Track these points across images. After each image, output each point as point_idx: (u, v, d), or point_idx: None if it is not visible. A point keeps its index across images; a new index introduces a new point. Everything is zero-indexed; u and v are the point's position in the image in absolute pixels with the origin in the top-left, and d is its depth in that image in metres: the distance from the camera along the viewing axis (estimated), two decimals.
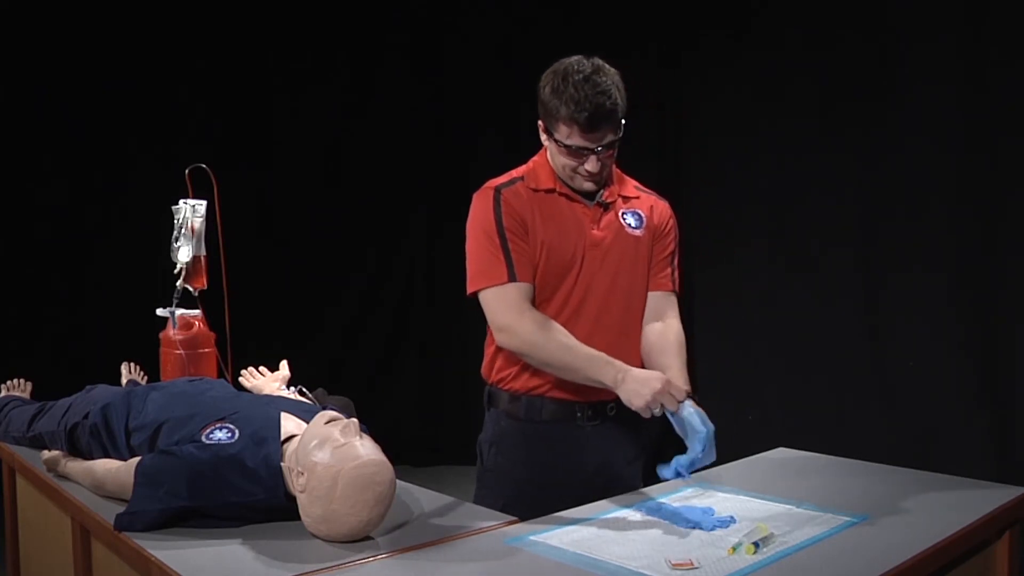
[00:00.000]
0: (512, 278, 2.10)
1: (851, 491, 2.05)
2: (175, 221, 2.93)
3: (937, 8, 3.82)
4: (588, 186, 2.17)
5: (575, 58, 2.10)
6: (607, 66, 2.09)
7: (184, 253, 2.89)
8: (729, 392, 4.65)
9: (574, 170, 2.13)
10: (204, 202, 2.95)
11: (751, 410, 4.55)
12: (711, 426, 1.91)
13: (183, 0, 5.12)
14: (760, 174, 4.50)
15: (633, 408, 1.97)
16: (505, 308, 2.10)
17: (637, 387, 1.96)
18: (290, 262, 5.67)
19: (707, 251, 4.76)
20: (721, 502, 1.99)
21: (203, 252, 2.95)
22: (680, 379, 2.08)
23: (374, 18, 5.65)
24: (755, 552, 1.64)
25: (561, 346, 2.07)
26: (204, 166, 2.92)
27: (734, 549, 1.66)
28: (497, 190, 2.18)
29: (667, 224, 2.30)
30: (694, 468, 1.90)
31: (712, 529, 1.81)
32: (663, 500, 1.99)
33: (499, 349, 2.21)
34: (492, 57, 5.59)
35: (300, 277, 5.66)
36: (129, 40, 4.98)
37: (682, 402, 1.93)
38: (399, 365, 6.04)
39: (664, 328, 2.24)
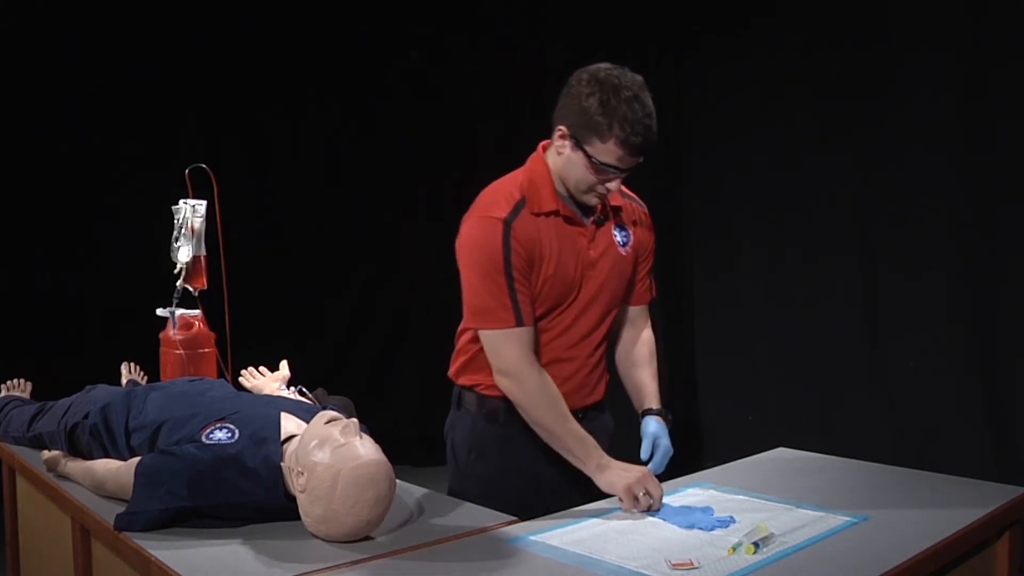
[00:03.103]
0: (520, 322, 2.04)
1: (851, 491, 2.05)
2: (175, 221, 2.93)
3: (937, 9, 3.82)
4: (596, 202, 2.11)
5: (612, 68, 2.00)
6: (643, 80, 2.01)
7: (184, 253, 2.89)
8: (730, 392, 4.65)
9: (592, 187, 2.05)
10: (204, 202, 2.95)
11: (751, 411, 4.55)
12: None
13: (184, 1, 5.12)
14: (760, 176, 4.50)
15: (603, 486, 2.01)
16: (514, 355, 2.05)
17: (615, 479, 1.98)
18: (290, 262, 5.67)
19: (707, 252, 4.77)
20: (721, 502, 1.99)
21: (203, 252, 2.95)
22: (653, 397, 2.20)
23: (374, 18, 5.65)
24: (755, 552, 1.65)
25: (555, 417, 2.05)
26: (204, 166, 2.92)
27: (734, 549, 1.66)
28: (507, 224, 2.04)
29: (650, 240, 2.31)
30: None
31: (712, 529, 1.81)
32: (663, 500, 1.99)
33: (472, 357, 2.19)
34: (492, 59, 5.59)
35: (300, 277, 5.66)
36: (130, 40, 4.98)
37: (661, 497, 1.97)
38: (399, 365, 6.04)
39: (638, 339, 2.30)
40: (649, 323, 2.34)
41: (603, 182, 2.03)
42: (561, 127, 2.03)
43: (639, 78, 2.00)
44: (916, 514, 1.87)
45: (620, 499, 1.97)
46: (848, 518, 1.84)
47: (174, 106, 5.14)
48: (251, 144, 5.52)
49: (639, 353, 2.30)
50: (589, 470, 2.02)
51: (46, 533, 2.42)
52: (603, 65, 2.01)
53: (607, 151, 1.97)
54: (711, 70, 4.72)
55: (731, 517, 1.87)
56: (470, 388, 2.23)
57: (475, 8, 5.68)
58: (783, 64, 4.38)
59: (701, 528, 1.82)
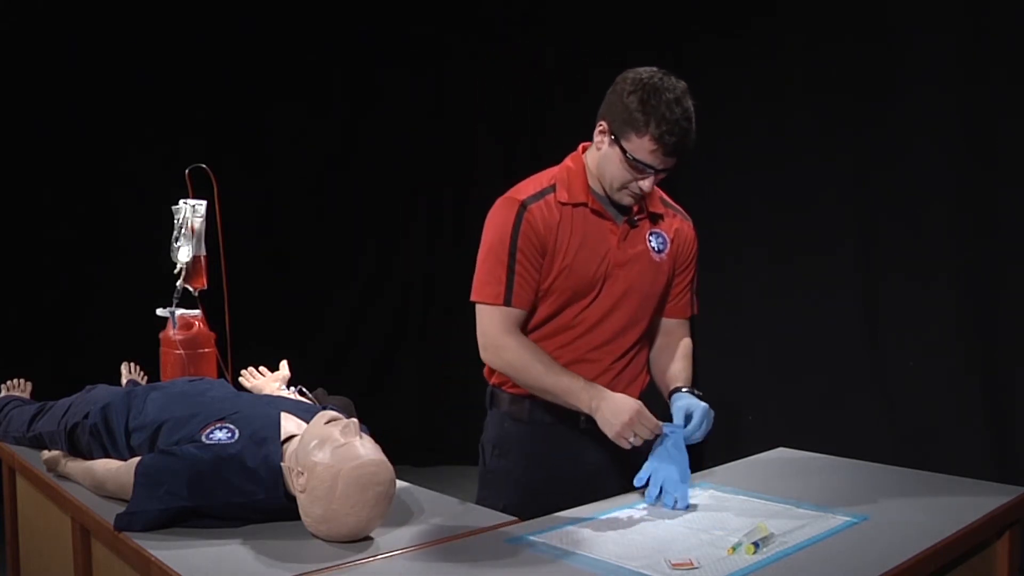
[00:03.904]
0: (508, 302, 2.10)
1: (851, 491, 2.05)
2: (175, 221, 2.93)
3: (937, 8, 3.82)
4: (630, 201, 2.14)
5: (657, 72, 2.06)
6: (686, 86, 2.06)
7: (184, 253, 2.89)
8: (730, 392, 4.65)
9: (626, 184, 2.09)
10: (204, 202, 2.94)
11: (751, 411, 4.55)
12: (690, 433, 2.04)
13: (184, 1, 5.12)
14: (760, 176, 4.50)
15: (610, 438, 2.02)
16: (492, 329, 2.11)
17: (609, 416, 2.00)
18: (290, 262, 5.67)
19: (707, 251, 4.73)
20: (721, 502, 1.99)
21: (203, 252, 2.95)
22: (681, 377, 2.16)
23: (374, 19, 5.65)
24: (755, 552, 1.64)
25: (541, 372, 2.08)
26: (204, 166, 2.92)
27: (734, 549, 1.66)
28: (523, 204, 2.11)
29: (690, 252, 2.30)
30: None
31: (653, 501, 1.94)
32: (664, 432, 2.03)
33: None
34: (493, 59, 5.59)
35: (300, 277, 5.66)
36: (130, 40, 4.98)
37: (659, 434, 2.00)
38: (399, 365, 6.04)
39: (674, 344, 2.29)
40: (688, 336, 2.33)
41: (637, 180, 2.07)
42: (602, 122, 2.09)
43: (683, 83, 2.06)
44: (916, 514, 1.87)
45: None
46: (848, 518, 1.84)
47: (174, 106, 5.14)
48: (251, 144, 5.53)
49: (673, 350, 2.27)
50: (588, 413, 2.06)
51: (46, 533, 2.42)
52: (650, 68, 2.07)
53: (642, 147, 2.02)
54: (711, 70, 4.72)
55: (688, 507, 1.94)
56: (499, 387, 2.26)
57: (475, 8, 5.68)
58: (783, 64, 4.38)
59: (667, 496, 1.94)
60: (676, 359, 2.25)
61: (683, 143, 2.01)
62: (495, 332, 2.11)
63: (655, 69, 2.06)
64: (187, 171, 2.93)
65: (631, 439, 1.98)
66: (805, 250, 4.35)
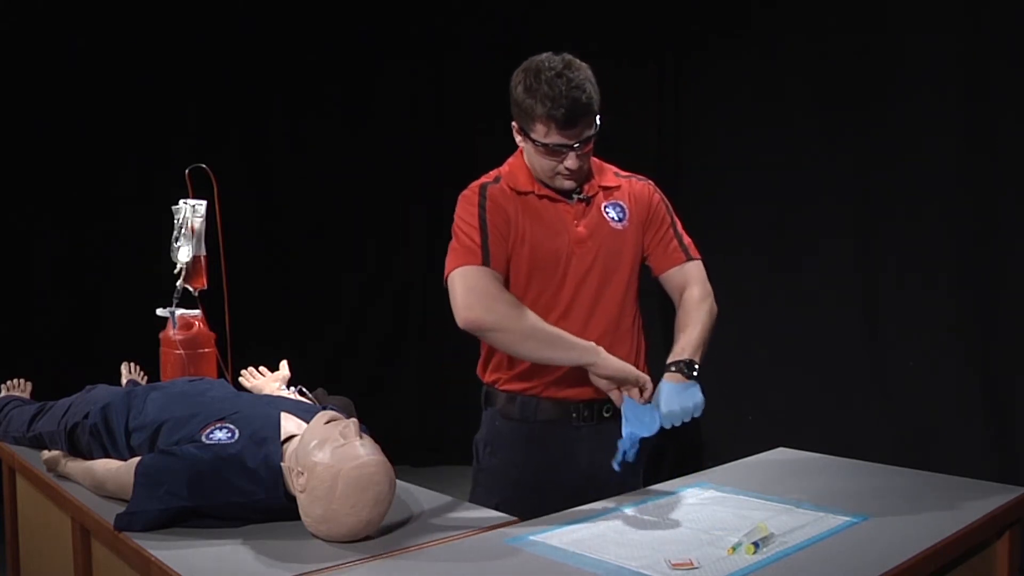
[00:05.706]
0: (486, 263, 2.07)
1: (851, 491, 2.05)
2: (175, 221, 2.93)
3: (937, 8, 3.82)
4: (568, 185, 2.16)
5: (544, 55, 2.08)
6: (577, 60, 2.08)
7: (184, 253, 2.89)
8: (729, 392, 4.65)
9: (553, 170, 2.12)
10: (204, 202, 2.95)
11: (751, 411, 4.55)
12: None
13: (184, 1, 5.12)
14: (760, 174, 4.50)
15: (600, 375, 2.02)
16: (475, 286, 2.04)
17: (616, 361, 2.02)
18: (290, 262, 5.67)
19: (707, 251, 4.74)
20: (721, 502, 1.99)
21: (203, 252, 2.95)
22: (675, 350, 2.09)
23: (375, 17, 5.65)
24: (755, 552, 1.64)
25: (537, 321, 2.03)
26: (204, 166, 2.92)
27: (734, 549, 1.66)
28: (483, 187, 2.18)
29: (654, 206, 2.28)
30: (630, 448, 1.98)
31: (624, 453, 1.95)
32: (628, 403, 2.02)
33: (494, 349, 2.21)
34: (492, 57, 5.59)
35: (300, 277, 5.66)
36: (130, 40, 4.98)
37: (647, 402, 2.00)
38: (399, 365, 6.04)
39: (685, 298, 2.24)
40: (700, 281, 2.25)
41: (560, 162, 2.10)
42: (513, 123, 2.15)
43: (567, 57, 2.07)
44: (916, 514, 1.87)
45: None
46: (848, 518, 1.84)
47: (174, 106, 5.14)
48: (251, 144, 5.52)
49: (679, 312, 2.22)
50: (589, 358, 2.04)
51: (46, 533, 2.42)
52: (538, 56, 2.09)
53: (542, 131, 2.06)
54: (711, 70, 4.72)
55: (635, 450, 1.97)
56: (493, 385, 2.26)
57: (475, 7, 5.68)
58: (783, 64, 4.38)
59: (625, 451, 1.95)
60: (680, 321, 2.18)
61: (575, 110, 2.02)
62: (483, 286, 2.03)
63: (543, 55, 2.08)
64: (187, 171, 2.94)
65: (623, 390, 2.01)
66: (805, 250, 4.35)
